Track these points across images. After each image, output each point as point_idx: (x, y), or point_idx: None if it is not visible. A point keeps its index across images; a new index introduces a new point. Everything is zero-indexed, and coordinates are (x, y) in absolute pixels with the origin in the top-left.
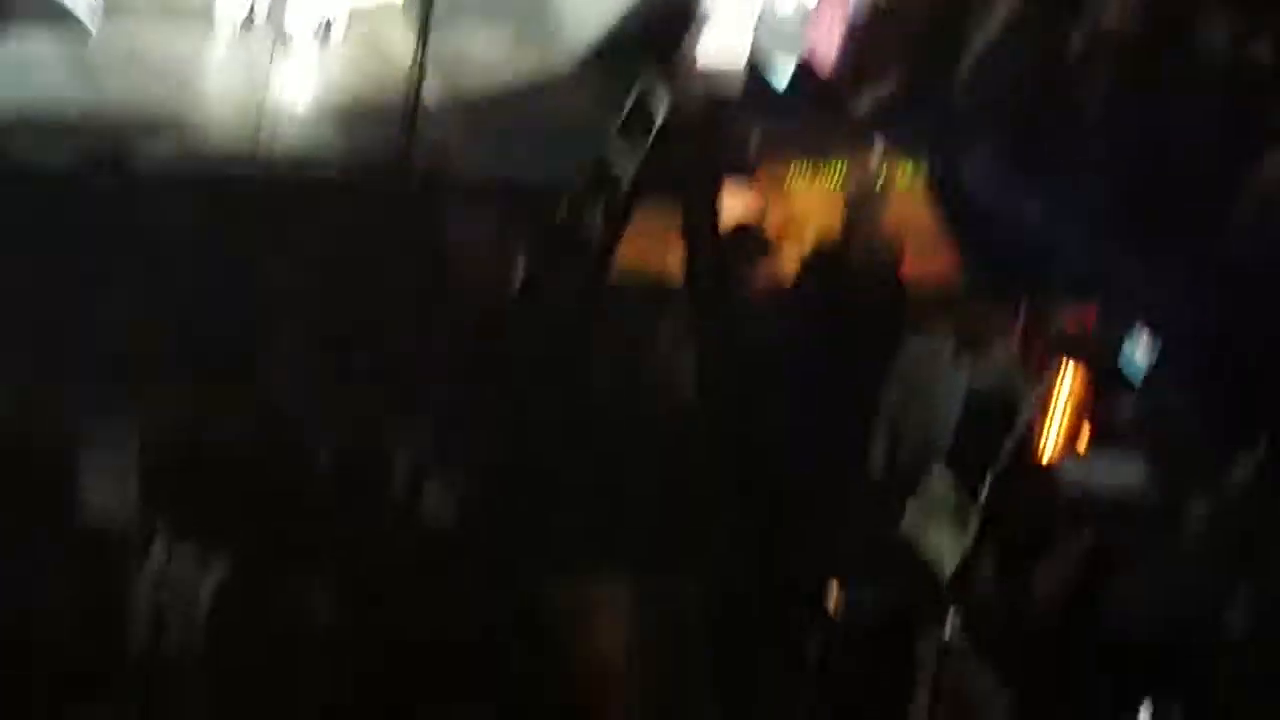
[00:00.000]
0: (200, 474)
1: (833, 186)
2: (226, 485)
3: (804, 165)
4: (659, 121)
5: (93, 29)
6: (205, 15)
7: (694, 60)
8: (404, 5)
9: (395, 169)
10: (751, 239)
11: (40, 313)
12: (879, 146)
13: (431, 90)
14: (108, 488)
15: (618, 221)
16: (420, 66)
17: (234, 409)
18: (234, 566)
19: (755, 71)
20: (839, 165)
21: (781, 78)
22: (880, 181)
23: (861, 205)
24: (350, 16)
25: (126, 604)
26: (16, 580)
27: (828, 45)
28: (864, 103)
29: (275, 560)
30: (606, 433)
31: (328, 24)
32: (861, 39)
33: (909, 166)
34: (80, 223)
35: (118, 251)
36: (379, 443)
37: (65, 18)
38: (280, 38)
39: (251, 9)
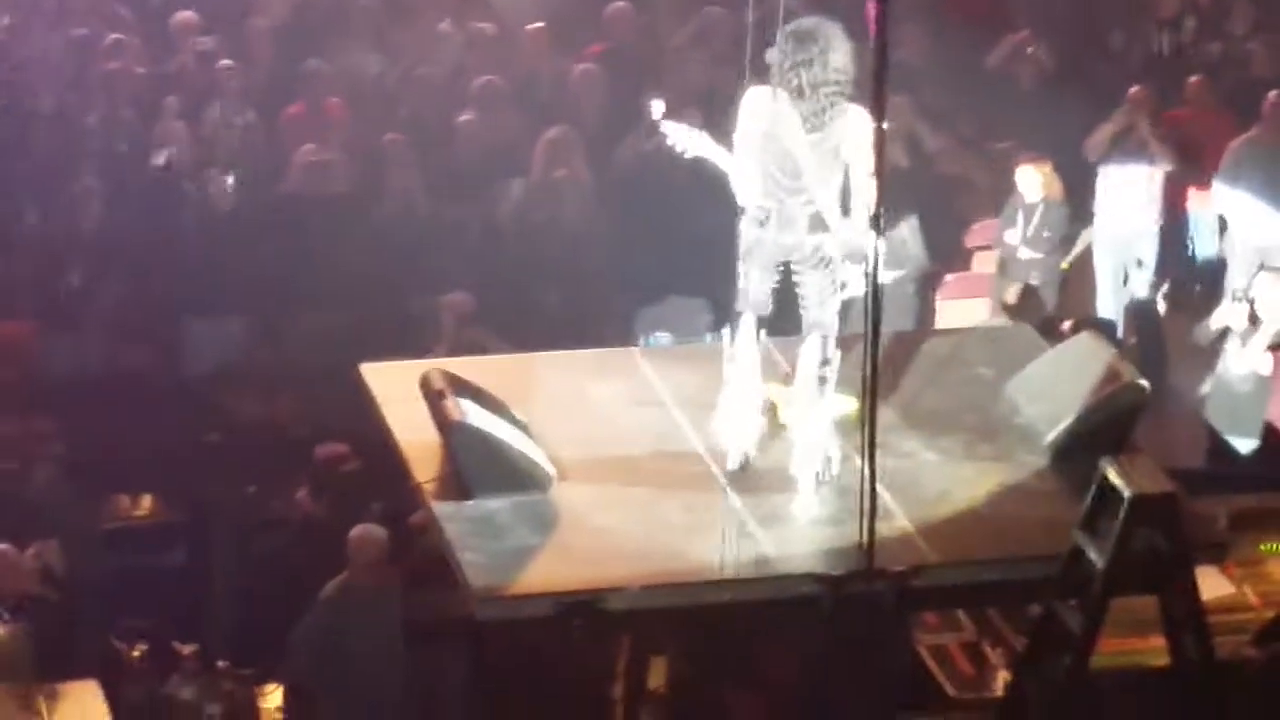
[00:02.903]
0: None
1: None
2: None
3: (1275, 537)
4: (1124, 510)
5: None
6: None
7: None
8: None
9: (866, 581)
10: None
11: None
12: None
13: (891, 501)
14: None
15: (1095, 614)
16: (871, 479)
17: None
18: None
19: (1217, 445)
20: None
21: (1245, 447)
22: None
23: None
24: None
25: None
26: None
27: None
28: None
29: None
30: None
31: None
32: None
33: None
34: None
35: None
36: None
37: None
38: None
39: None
